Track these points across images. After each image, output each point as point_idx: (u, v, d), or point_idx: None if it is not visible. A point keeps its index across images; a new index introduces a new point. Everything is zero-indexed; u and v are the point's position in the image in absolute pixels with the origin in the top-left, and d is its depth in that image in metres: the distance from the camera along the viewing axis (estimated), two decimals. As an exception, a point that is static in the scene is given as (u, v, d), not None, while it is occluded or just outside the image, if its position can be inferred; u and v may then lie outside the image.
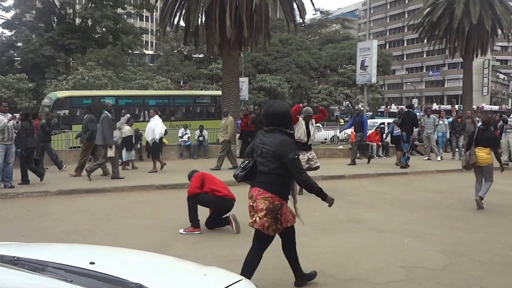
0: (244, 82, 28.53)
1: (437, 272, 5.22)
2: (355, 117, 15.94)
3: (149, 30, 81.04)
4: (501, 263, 5.59)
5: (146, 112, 24.63)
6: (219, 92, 22.94)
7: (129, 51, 51.44)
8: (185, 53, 55.03)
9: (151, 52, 72.80)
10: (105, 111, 12.39)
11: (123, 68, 42.40)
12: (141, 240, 6.57)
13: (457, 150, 16.99)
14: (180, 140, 18.30)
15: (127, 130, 14.71)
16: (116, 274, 2.34)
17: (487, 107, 54.95)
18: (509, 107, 57.20)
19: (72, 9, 51.03)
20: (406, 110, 14.90)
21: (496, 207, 9.19)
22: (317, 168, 10.22)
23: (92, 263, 2.46)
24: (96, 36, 49.66)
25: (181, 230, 7.02)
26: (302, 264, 5.48)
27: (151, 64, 59.65)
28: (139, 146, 16.89)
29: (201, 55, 54.45)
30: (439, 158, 16.75)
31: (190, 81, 50.42)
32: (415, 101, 60.80)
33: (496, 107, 61.02)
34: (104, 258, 2.78)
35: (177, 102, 26.84)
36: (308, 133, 10.08)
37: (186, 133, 18.37)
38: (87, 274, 2.34)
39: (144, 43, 63.78)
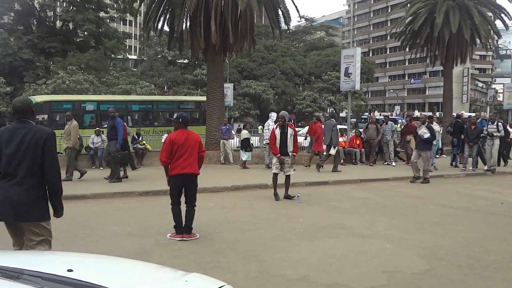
0: (229, 88, 28.50)
1: (417, 277, 5.29)
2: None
3: (133, 35, 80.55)
4: (480, 267, 5.68)
5: (129, 117, 24.50)
6: (204, 98, 22.89)
7: (112, 55, 50.87)
8: (169, 58, 54.90)
9: (135, 57, 72.42)
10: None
11: (105, 73, 41.94)
12: (122, 247, 6.52)
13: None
14: (164, 145, 18.19)
15: (244, 133, 16.69)
16: (95, 281, 2.28)
17: (466, 114, 55.59)
18: (487, 115, 58.00)
19: (52, 12, 50.02)
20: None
21: (475, 212, 9.33)
22: (288, 176, 10.40)
23: (70, 270, 2.39)
24: (78, 40, 48.81)
25: (168, 235, 7.02)
26: (284, 270, 5.53)
27: (134, 69, 59.34)
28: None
29: (186, 61, 54.35)
30: (393, 164, 17.09)
31: (174, 86, 50.26)
32: (397, 108, 61.36)
33: (473, 114, 61.72)
34: (82, 265, 2.71)
35: (161, 108, 26.66)
36: (283, 139, 10.10)
37: (169, 139, 18.25)
38: (65, 281, 2.28)
39: (127, 47, 63.26)
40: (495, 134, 15.45)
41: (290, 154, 10.20)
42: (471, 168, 15.67)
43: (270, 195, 10.42)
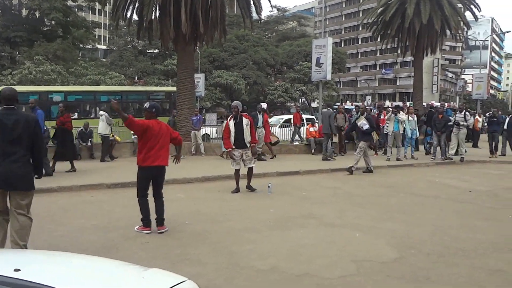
0: (200, 78, 28.25)
1: (387, 265, 5.30)
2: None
3: (102, 24, 79.07)
4: (448, 254, 5.73)
5: (97, 108, 24.04)
6: (174, 88, 22.61)
7: (81, 45, 49.83)
8: (139, 48, 54.05)
9: (104, 47, 71.11)
10: None
11: (74, 63, 41.13)
12: (88, 242, 6.35)
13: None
14: (133, 137, 17.89)
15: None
16: (42, 281, 2.13)
17: (436, 104, 56.51)
18: (457, 105, 59.12)
19: (18, 0, 48.89)
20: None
21: (444, 200, 9.45)
22: (251, 168, 9.96)
23: (17, 270, 2.24)
24: (45, 29, 47.39)
25: (136, 227, 6.87)
26: (254, 261, 5.46)
27: (103, 59, 58.31)
28: (89, 143, 16.49)
29: (156, 51, 53.62)
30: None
31: (144, 77, 49.56)
32: (368, 98, 61.96)
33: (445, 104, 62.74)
34: (32, 263, 2.54)
35: (130, 98, 26.24)
36: (238, 130, 9.64)
37: (139, 130, 17.94)
38: (9, 282, 2.13)
39: (96, 37, 62.13)
40: (461, 123, 15.68)
41: (248, 145, 9.75)
42: (440, 156, 15.88)
43: (241, 186, 10.13)
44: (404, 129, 15.72)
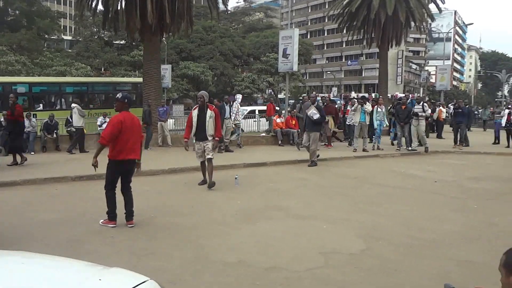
0: (167, 69, 27.88)
1: (355, 257, 5.28)
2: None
3: (67, 14, 77.05)
4: (417, 246, 5.75)
5: (63, 99, 23.50)
6: (140, 79, 22.25)
7: (46, 36, 48.60)
8: (105, 39, 52.88)
9: (70, 38, 69.32)
10: None
11: (39, 54, 40.10)
12: (52, 237, 6.13)
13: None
14: (99, 128, 17.52)
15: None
16: None
17: (401, 95, 57.49)
18: (420, 95, 60.25)
19: (-20, -11, 47.41)
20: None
21: (411, 191, 9.54)
22: (209, 159, 9.37)
23: None
24: (8, 19, 46.30)
25: (100, 221, 6.68)
26: (222, 254, 5.36)
27: (69, 50, 56.83)
28: (55, 135, 16.09)
29: (123, 42, 52.61)
30: (332, 144, 17.14)
31: (111, 68, 48.59)
32: (334, 89, 62.45)
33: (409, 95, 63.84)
34: None
35: (96, 90, 25.77)
36: (201, 121, 9.23)
37: (105, 121, 17.58)
38: None
39: (61, 27, 60.54)
40: (420, 114, 15.89)
41: (209, 138, 9.27)
42: (405, 147, 16.07)
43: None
44: (371, 120, 15.85)
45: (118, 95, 6.84)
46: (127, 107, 6.68)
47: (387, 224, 6.76)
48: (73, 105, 16.02)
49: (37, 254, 2.79)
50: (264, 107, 24.19)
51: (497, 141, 19.57)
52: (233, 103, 16.26)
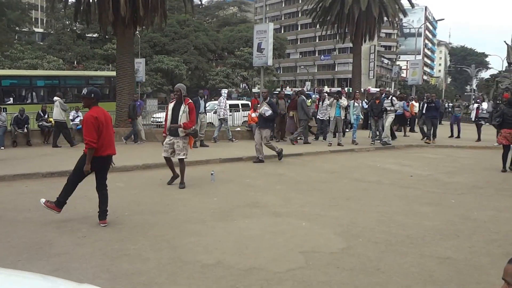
0: (140, 63, 27.47)
1: (335, 256, 5.16)
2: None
3: (39, 6, 75.27)
4: (396, 243, 5.67)
5: (34, 93, 22.89)
6: (114, 73, 21.83)
7: (16, 28, 47.48)
8: (78, 32, 51.89)
9: (41, 30, 67.82)
10: None
11: (9, 46, 39.14)
12: (19, 237, 5.85)
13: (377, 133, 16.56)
14: (71, 123, 17.09)
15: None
16: None
17: (373, 89, 58.05)
18: (392, 90, 60.85)
19: None
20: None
21: (387, 186, 9.51)
22: (180, 160, 8.93)
23: None
24: (-23, 11, 45.06)
25: (42, 200, 6.45)
26: (198, 255, 5.19)
27: (41, 43, 55.63)
28: (26, 130, 15.67)
29: (96, 35, 51.70)
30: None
31: (84, 61, 47.72)
32: (308, 84, 62.65)
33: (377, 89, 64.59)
34: None
35: (69, 83, 25.19)
36: (174, 115, 8.80)
37: (78, 116, 17.17)
38: None
39: (33, 20, 59.21)
40: (388, 108, 15.98)
41: (181, 134, 8.79)
42: (381, 140, 16.13)
43: (186, 173, 9.29)
44: (346, 114, 15.86)
45: (83, 91, 6.53)
46: (95, 102, 6.37)
47: (365, 221, 6.68)
48: (55, 98, 15.74)
49: None
50: (239, 102, 23.99)
51: (451, 134, 19.88)
52: (220, 98, 16.75)
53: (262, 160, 12.40)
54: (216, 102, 21.87)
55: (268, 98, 12.59)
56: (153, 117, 23.03)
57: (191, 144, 9.29)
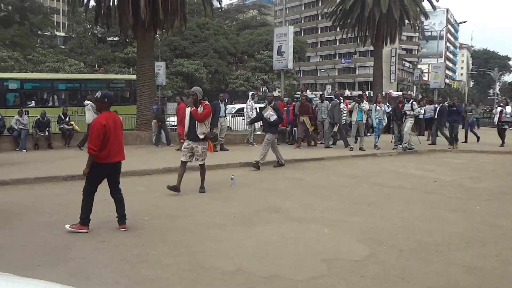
0: (161, 66, 27.64)
1: (359, 264, 5.02)
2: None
3: (60, 10, 76.47)
4: (421, 251, 5.50)
5: (55, 96, 23.18)
6: (134, 76, 21.99)
7: (39, 32, 48.32)
8: (99, 35, 52.54)
9: (63, 34, 68.86)
10: None
11: (32, 50, 39.83)
12: (38, 241, 5.85)
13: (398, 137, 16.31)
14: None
15: None
16: None
17: (395, 93, 57.49)
18: (414, 94, 60.23)
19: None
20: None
21: (410, 191, 9.32)
22: (200, 165, 8.87)
23: None
24: (0, 15, 45.98)
25: (67, 226, 6.29)
26: (218, 261, 5.10)
27: (62, 47, 56.52)
28: (47, 133, 15.87)
29: (116, 38, 52.27)
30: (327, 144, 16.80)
31: (105, 64, 48.26)
32: (328, 87, 62.35)
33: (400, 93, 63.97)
34: None
35: (89, 87, 25.38)
36: (192, 120, 8.65)
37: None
38: None
39: (55, 24, 60.21)
40: (408, 113, 15.67)
41: (201, 136, 8.65)
42: (402, 145, 15.86)
43: (206, 177, 9.15)
44: (367, 118, 15.67)
45: (96, 94, 6.43)
46: (108, 106, 6.31)
47: (389, 227, 6.53)
48: (86, 101, 15.87)
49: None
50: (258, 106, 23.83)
51: (465, 140, 19.12)
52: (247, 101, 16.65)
53: (282, 164, 12.26)
54: (238, 106, 21.92)
55: (273, 102, 12.25)
56: (168, 121, 23.11)
57: (211, 149, 9.21)
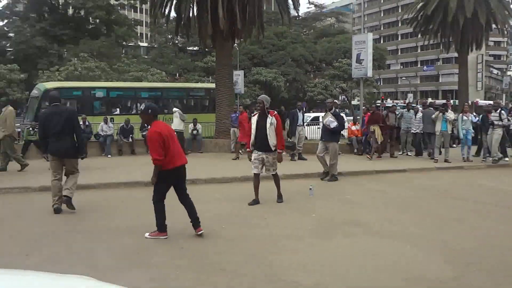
0: (239, 75, 28.02)
1: (444, 286, 4.71)
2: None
3: (143, 22, 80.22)
4: (514, 274, 5.09)
5: (138, 104, 24.19)
6: (213, 85, 22.48)
7: (123, 42, 50.86)
8: (179, 45, 54.42)
9: (146, 44, 72.09)
10: None
11: (117, 60, 41.98)
12: (121, 245, 6.08)
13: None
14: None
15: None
16: None
17: (481, 102, 54.71)
18: (503, 102, 56.91)
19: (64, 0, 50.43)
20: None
21: (502, 208, 8.67)
22: (273, 176, 8.79)
23: None
24: (89, 27, 49.19)
25: (147, 234, 6.44)
26: (296, 274, 5.00)
27: (145, 56, 59.10)
28: (130, 139, 16.58)
29: (196, 48, 53.86)
30: (410, 153, 16.41)
31: (185, 73, 49.82)
32: (410, 96, 60.48)
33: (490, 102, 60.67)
34: None
35: (170, 95, 26.36)
36: (260, 129, 8.45)
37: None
38: None
39: (138, 34, 63.15)
40: (496, 122, 14.55)
41: (273, 148, 8.47)
42: (491, 158, 14.87)
43: (284, 187, 9.19)
44: (452, 129, 14.90)
45: (140, 107, 6.62)
46: (154, 117, 6.43)
47: (476, 246, 6.10)
48: (174, 109, 16.50)
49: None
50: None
51: None
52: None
53: (327, 173, 11.65)
54: (313, 114, 21.65)
55: (334, 108, 11.69)
56: None
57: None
